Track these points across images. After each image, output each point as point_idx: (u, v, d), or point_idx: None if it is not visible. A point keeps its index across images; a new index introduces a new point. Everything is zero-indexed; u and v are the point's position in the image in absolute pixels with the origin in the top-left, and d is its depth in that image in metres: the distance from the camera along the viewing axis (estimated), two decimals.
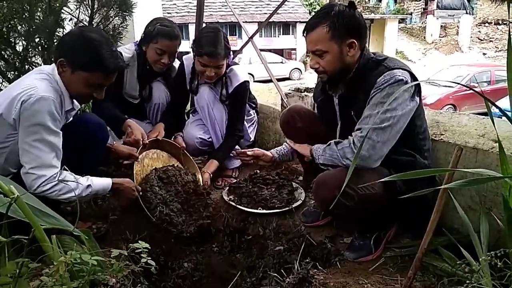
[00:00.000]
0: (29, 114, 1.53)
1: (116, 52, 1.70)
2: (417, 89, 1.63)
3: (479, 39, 24.67)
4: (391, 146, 1.60)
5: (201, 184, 2.30)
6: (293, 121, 2.03)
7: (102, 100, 2.25)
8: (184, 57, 2.57)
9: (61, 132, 1.63)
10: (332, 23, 1.60)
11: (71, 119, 1.86)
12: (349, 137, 1.64)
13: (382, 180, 1.14)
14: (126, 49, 2.44)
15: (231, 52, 2.43)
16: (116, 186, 1.83)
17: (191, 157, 2.47)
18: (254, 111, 2.78)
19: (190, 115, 2.72)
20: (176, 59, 2.64)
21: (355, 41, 1.63)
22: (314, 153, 1.78)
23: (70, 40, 1.67)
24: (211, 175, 2.42)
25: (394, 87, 1.55)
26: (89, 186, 1.69)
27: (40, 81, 1.60)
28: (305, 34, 1.69)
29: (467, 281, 1.14)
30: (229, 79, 2.46)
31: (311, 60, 1.72)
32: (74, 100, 1.76)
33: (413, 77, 1.62)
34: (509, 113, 1.15)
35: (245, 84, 2.49)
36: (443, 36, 25.68)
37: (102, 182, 1.77)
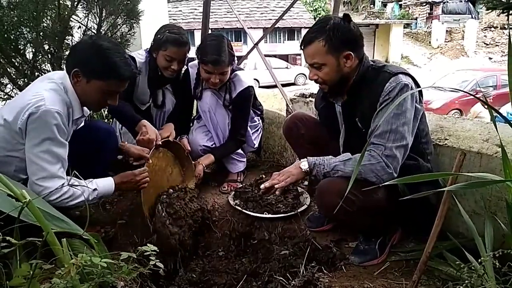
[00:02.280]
0: (36, 126, 1.56)
1: (128, 59, 1.73)
2: (420, 93, 1.68)
3: (485, 43, 24.61)
4: None
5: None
6: (296, 128, 2.05)
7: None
8: (189, 64, 2.61)
9: (67, 143, 1.66)
10: (328, 37, 1.63)
11: (81, 125, 1.89)
12: (373, 152, 1.60)
13: (385, 183, 1.16)
14: (139, 55, 2.49)
15: (236, 58, 2.46)
16: (118, 185, 1.84)
17: (192, 163, 2.47)
18: (258, 117, 2.80)
19: (195, 121, 2.75)
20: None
21: (351, 53, 1.66)
22: (317, 168, 1.71)
23: (83, 50, 1.69)
24: (205, 167, 2.45)
25: (403, 95, 1.57)
26: (95, 189, 1.71)
27: (48, 92, 1.62)
28: (302, 48, 1.73)
29: (466, 281, 1.15)
30: (233, 84, 2.50)
31: (310, 72, 1.75)
32: (84, 107, 1.79)
33: (415, 82, 1.66)
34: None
35: (249, 89, 2.52)
36: (448, 41, 25.65)
37: (106, 183, 1.78)
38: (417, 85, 1.66)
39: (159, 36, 2.38)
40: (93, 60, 1.64)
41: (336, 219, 1.96)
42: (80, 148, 1.76)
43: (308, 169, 1.73)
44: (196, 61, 2.51)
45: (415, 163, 1.68)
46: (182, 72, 2.63)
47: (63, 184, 1.61)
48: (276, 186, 1.78)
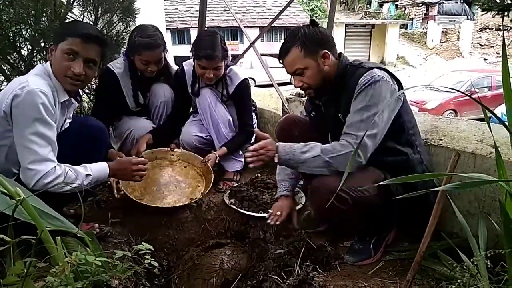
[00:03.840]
0: (22, 107, 1.54)
1: (92, 26, 1.81)
2: (399, 86, 1.71)
3: (480, 44, 24.71)
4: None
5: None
6: (289, 130, 2.05)
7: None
8: (184, 63, 2.65)
9: (55, 125, 1.65)
10: (302, 42, 1.73)
11: (71, 116, 1.88)
12: (343, 141, 1.66)
13: (378, 184, 1.15)
14: (117, 64, 2.52)
15: (229, 54, 2.50)
16: (113, 171, 1.82)
17: (182, 150, 2.57)
18: (253, 113, 2.83)
19: (191, 116, 2.77)
20: (175, 65, 2.73)
21: (327, 51, 1.74)
22: (285, 156, 1.74)
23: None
24: (218, 157, 2.50)
25: (376, 88, 1.63)
26: (88, 175, 1.69)
27: (32, 76, 1.64)
28: (281, 61, 1.81)
29: (459, 281, 1.15)
30: (229, 79, 2.56)
31: (295, 80, 1.82)
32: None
33: (391, 76, 1.69)
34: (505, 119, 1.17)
35: (246, 81, 2.59)
36: (444, 42, 25.72)
37: (99, 168, 1.76)
38: (396, 80, 1.70)
39: (132, 40, 2.40)
40: (61, 28, 1.76)
41: (330, 218, 1.96)
42: (74, 146, 1.75)
43: (279, 162, 1.78)
44: (190, 60, 2.55)
45: (405, 158, 1.70)
46: (179, 70, 2.65)
47: (55, 167, 1.59)
48: (250, 164, 1.81)
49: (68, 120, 1.86)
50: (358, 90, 1.66)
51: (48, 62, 1.73)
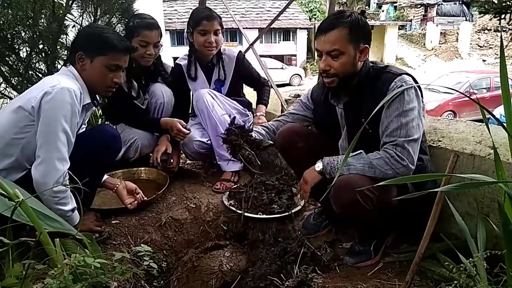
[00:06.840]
0: (52, 104, 1.57)
1: (120, 35, 1.88)
2: (421, 92, 1.69)
3: (478, 45, 24.78)
4: None
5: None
6: (292, 141, 1.94)
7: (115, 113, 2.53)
8: (176, 61, 2.73)
9: (76, 126, 1.68)
10: (352, 26, 1.61)
11: (86, 122, 1.91)
12: (386, 149, 1.59)
13: (394, 180, 1.15)
14: None
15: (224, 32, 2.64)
16: (80, 221, 1.73)
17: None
18: (249, 111, 2.86)
19: (190, 119, 2.77)
20: (168, 65, 2.75)
21: (368, 47, 1.66)
22: (330, 164, 1.70)
23: (81, 36, 1.83)
24: (264, 115, 2.73)
25: (410, 94, 1.60)
26: (74, 208, 1.67)
27: (62, 77, 1.69)
28: (321, 34, 1.66)
29: (456, 282, 1.16)
30: (226, 56, 2.71)
31: (323, 62, 1.67)
32: (91, 97, 1.82)
33: (416, 83, 1.68)
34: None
35: (241, 53, 2.81)
36: (442, 43, 25.79)
37: (75, 218, 1.69)
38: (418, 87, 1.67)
39: (130, 24, 2.43)
40: (91, 40, 1.76)
41: (349, 217, 1.87)
42: (86, 148, 1.76)
43: (322, 168, 1.71)
44: (181, 56, 2.69)
45: (421, 163, 1.68)
46: (173, 68, 2.70)
47: (66, 171, 1.60)
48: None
49: (83, 126, 1.90)
50: (391, 96, 1.58)
51: (70, 66, 1.79)
